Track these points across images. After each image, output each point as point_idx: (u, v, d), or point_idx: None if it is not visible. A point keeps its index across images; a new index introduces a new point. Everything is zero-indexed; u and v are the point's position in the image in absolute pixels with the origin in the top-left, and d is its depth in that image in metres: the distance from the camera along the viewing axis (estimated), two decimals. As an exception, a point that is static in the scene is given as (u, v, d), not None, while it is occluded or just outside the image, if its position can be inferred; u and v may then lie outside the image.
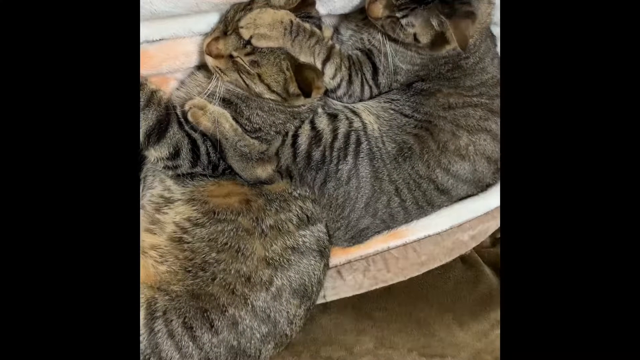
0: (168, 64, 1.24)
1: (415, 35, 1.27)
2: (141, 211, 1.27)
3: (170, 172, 1.25)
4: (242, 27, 1.17)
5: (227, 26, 1.22)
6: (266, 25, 1.18)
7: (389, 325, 1.40)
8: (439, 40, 1.29)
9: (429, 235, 1.50)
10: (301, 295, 1.28)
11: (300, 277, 1.28)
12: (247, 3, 1.22)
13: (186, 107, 1.23)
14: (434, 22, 1.24)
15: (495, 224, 1.57)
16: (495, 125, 1.39)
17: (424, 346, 1.39)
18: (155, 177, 1.30)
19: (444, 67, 1.37)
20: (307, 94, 1.18)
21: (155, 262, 1.19)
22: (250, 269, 1.21)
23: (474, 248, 1.55)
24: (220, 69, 1.23)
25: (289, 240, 1.26)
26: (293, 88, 1.19)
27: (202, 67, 1.34)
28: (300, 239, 1.28)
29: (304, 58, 1.25)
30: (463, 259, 1.51)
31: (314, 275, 1.31)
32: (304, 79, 1.19)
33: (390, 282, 1.46)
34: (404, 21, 1.25)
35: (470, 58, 1.37)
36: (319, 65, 1.28)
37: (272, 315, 1.23)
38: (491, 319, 1.40)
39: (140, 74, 1.19)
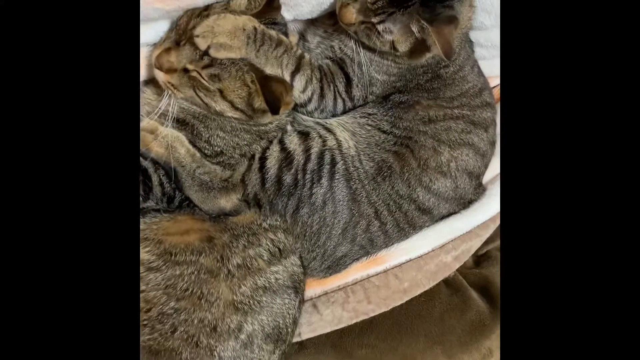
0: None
1: (393, 42, 1.14)
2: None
3: None
4: (197, 36, 1.00)
5: (180, 35, 1.04)
6: (226, 33, 1.01)
7: (373, 363, 1.25)
8: (419, 48, 1.17)
9: (411, 259, 1.38)
10: (275, 340, 1.12)
11: (273, 320, 1.12)
12: (202, 9, 1.04)
13: (133, 131, 1.03)
14: (414, 28, 1.12)
15: (478, 242, 1.46)
16: (477, 138, 1.28)
17: (411, 383, 1.26)
18: None
19: (422, 77, 1.24)
20: (275, 111, 1.02)
21: None
22: (216, 317, 1.04)
23: (457, 269, 1.42)
24: (172, 85, 1.05)
25: (259, 280, 1.10)
26: (259, 103, 1.03)
27: (150, 82, 1.15)
28: (272, 277, 1.12)
29: (270, 70, 1.08)
30: (447, 282, 1.39)
31: (289, 315, 1.16)
32: (271, 93, 1.02)
33: (372, 314, 1.32)
34: (380, 27, 1.12)
35: (450, 67, 1.26)
36: (287, 78, 1.12)
37: None
38: (482, 348, 1.29)
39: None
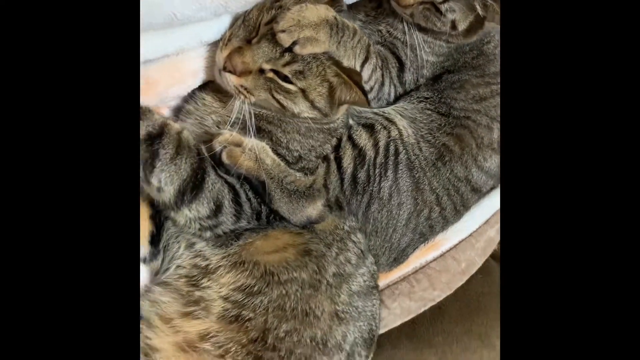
0: (175, 89, 0.89)
1: (454, 21, 1.10)
2: (168, 291, 0.93)
3: (208, 233, 0.93)
4: (283, 31, 0.88)
5: (251, 32, 0.92)
6: (312, 26, 0.91)
7: (451, 348, 1.26)
8: (475, 25, 1.14)
9: (463, 239, 1.38)
10: (369, 345, 1.08)
11: (368, 324, 1.07)
12: (273, 0, 0.92)
13: (216, 146, 0.91)
14: (478, 6, 1.09)
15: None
16: (517, 111, 1.30)
17: (490, 360, 1.28)
18: (178, 242, 0.95)
19: (469, 54, 1.23)
20: (369, 101, 0.95)
21: (215, 358, 0.88)
22: (325, 332, 0.97)
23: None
24: (246, 89, 0.93)
25: (353, 285, 1.05)
26: (346, 97, 0.94)
27: (205, 86, 1.01)
28: (360, 280, 1.07)
29: (346, 61, 1.00)
30: (494, 256, 1.42)
31: (377, 315, 1.12)
32: (357, 84, 0.95)
33: (438, 300, 1.31)
34: (444, 6, 1.07)
35: (491, 42, 1.26)
36: (357, 68, 1.04)
37: None
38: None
39: (157, 111, 0.84)
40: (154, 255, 1.00)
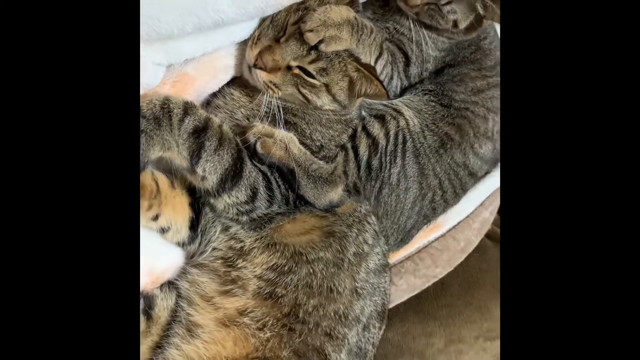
0: (210, 85, 0.97)
1: (455, 21, 1.20)
2: (205, 272, 1.01)
3: (244, 218, 1.01)
4: (309, 31, 0.97)
5: (279, 32, 1.00)
6: (336, 26, 1.00)
7: (454, 320, 1.38)
8: (474, 24, 1.24)
9: (461, 221, 1.49)
10: (382, 317, 1.19)
11: (381, 299, 1.17)
12: (299, 2, 1.01)
13: (250, 137, 0.99)
14: (479, 7, 1.19)
15: (501, 195, 1.62)
16: (509, 102, 1.41)
17: (488, 330, 1.41)
18: (214, 226, 1.03)
19: (467, 49, 1.33)
20: (389, 94, 1.04)
21: (255, 331, 0.97)
22: (346, 306, 1.07)
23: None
24: (274, 84, 1.01)
25: (370, 263, 1.14)
26: (365, 90, 1.04)
27: (232, 83, 1.09)
28: (376, 258, 1.17)
29: (364, 57, 1.09)
30: (489, 236, 1.54)
31: (388, 290, 1.22)
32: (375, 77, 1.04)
33: (440, 276, 1.43)
34: (446, 8, 1.17)
35: (487, 38, 1.36)
36: (372, 63, 1.13)
37: (363, 347, 1.12)
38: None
39: (196, 106, 0.91)
40: (192, 239, 1.07)
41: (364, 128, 1.20)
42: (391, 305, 1.39)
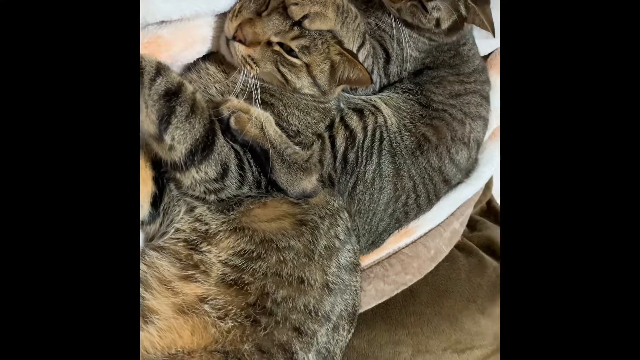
0: (185, 53, 0.91)
1: (438, 20, 1.20)
2: (165, 255, 0.93)
3: (212, 197, 0.94)
4: (294, 4, 0.93)
5: (262, 5, 0.96)
6: (322, 3, 0.97)
7: (422, 329, 1.33)
8: (456, 25, 1.24)
9: (432, 228, 1.46)
10: (351, 320, 1.13)
11: (352, 299, 1.12)
12: None
13: (224, 111, 0.93)
14: (461, 7, 1.19)
15: (472, 207, 1.61)
16: (485, 111, 1.41)
17: (457, 342, 1.36)
18: (179, 206, 0.96)
19: (447, 53, 1.33)
20: (371, 79, 1.00)
21: (216, 319, 0.88)
22: (317, 300, 1.00)
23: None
24: (253, 60, 0.96)
25: (341, 259, 1.09)
26: (347, 75, 1.00)
27: (208, 57, 1.03)
28: (346, 255, 1.11)
29: (347, 43, 1.06)
30: (458, 247, 1.52)
31: (359, 291, 1.16)
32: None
33: (410, 284, 1.38)
34: (431, 4, 1.17)
35: (466, 45, 1.37)
36: (355, 51, 1.11)
37: (332, 350, 1.05)
38: (504, 299, 1.44)
39: (170, 69, 0.85)
40: (152, 217, 0.99)
41: (342, 120, 1.16)
42: (359, 311, 1.32)
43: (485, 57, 1.57)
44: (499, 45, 1.52)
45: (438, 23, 1.22)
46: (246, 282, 0.93)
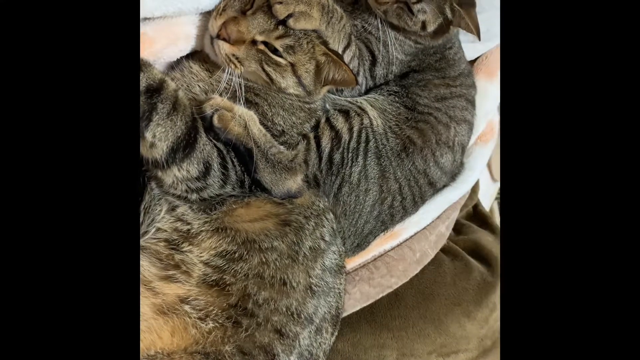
0: (168, 50, 0.91)
1: (424, 22, 1.20)
2: (146, 255, 0.91)
3: (194, 196, 0.93)
4: (279, 2, 0.93)
5: (246, 3, 0.96)
6: (307, 2, 0.97)
7: (407, 332, 1.32)
8: (442, 28, 1.25)
9: (418, 231, 1.46)
10: (335, 322, 1.12)
11: (336, 301, 1.11)
12: None
13: (207, 109, 0.92)
14: (447, 10, 1.19)
15: (457, 211, 1.61)
16: (470, 115, 1.42)
17: (442, 346, 1.36)
18: (160, 205, 0.94)
19: (433, 57, 1.33)
20: (357, 80, 1.00)
21: (197, 321, 0.87)
22: (299, 302, 0.99)
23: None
24: (237, 58, 0.96)
25: (325, 260, 1.08)
26: (333, 75, 1.00)
27: (192, 56, 1.02)
28: (331, 256, 1.11)
29: (332, 44, 1.06)
30: (444, 250, 1.51)
31: (343, 294, 1.15)
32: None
33: (395, 287, 1.37)
34: (417, 7, 1.17)
35: (452, 48, 1.37)
36: (340, 52, 1.11)
37: (315, 353, 1.04)
38: (490, 303, 1.44)
39: (152, 66, 0.84)
40: None
41: (328, 120, 1.16)
42: (344, 314, 1.31)
43: (472, 62, 1.58)
44: (491, 48, 1.53)
45: (424, 26, 1.22)
46: (227, 283, 0.91)
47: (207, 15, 0.98)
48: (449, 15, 1.20)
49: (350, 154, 1.17)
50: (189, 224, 0.94)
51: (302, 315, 0.99)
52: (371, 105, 1.26)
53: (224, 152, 0.94)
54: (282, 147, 1.03)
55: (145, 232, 0.96)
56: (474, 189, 1.71)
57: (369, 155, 1.21)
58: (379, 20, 1.23)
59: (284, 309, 0.96)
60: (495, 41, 1.52)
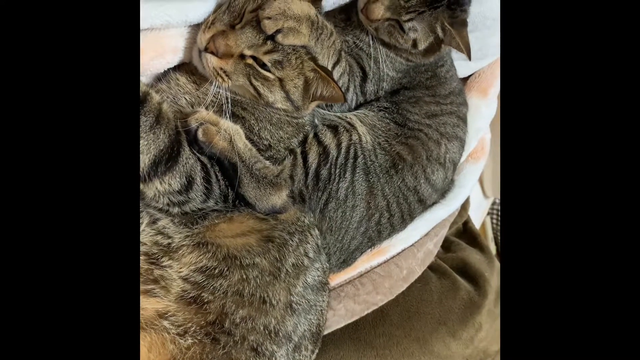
0: (155, 62, 0.90)
1: (415, 40, 1.20)
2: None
3: (175, 209, 0.92)
4: (268, 18, 0.92)
5: (235, 18, 0.95)
6: (295, 18, 0.96)
7: (391, 351, 1.31)
8: (433, 47, 1.25)
9: (405, 248, 1.45)
10: (316, 340, 1.10)
11: (317, 318, 1.10)
12: None
13: (192, 122, 0.91)
14: (438, 29, 1.19)
15: (447, 228, 1.61)
16: (461, 132, 1.42)
17: (426, 365, 1.34)
18: (141, 218, 0.94)
19: (424, 74, 1.33)
20: (345, 97, 1.00)
21: (175, 336, 0.86)
22: (278, 320, 0.98)
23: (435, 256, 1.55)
24: (225, 72, 0.95)
25: (308, 277, 1.07)
26: (321, 91, 0.99)
27: (179, 68, 1.02)
28: (314, 273, 1.10)
29: (321, 60, 1.06)
30: (432, 268, 1.50)
31: (325, 311, 1.14)
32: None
33: (381, 304, 1.36)
34: (407, 25, 1.17)
35: (444, 66, 1.37)
36: (329, 68, 1.10)
37: None
38: (475, 323, 1.43)
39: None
40: None
41: (316, 135, 1.15)
42: (327, 331, 1.30)
43: (465, 79, 1.58)
44: (483, 66, 1.53)
45: (415, 44, 1.22)
46: (205, 300, 0.90)
47: (195, 27, 0.97)
48: (440, 34, 1.20)
49: (337, 170, 1.16)
50: (169, 237, 0.93)
51: (280, 334, 0.97)
52: (361, 121, 1.26)
53: (208, 166, 0.93)
54: (267, 162, 1.02)
55: (126, 245, 0.94)
56: (464, 206, 1.71)
57: (357, 171, 1.20)
58: (370, 37, 1.23)
59: (262, 328, 0.95)
60: (488, 60, 1.53)
